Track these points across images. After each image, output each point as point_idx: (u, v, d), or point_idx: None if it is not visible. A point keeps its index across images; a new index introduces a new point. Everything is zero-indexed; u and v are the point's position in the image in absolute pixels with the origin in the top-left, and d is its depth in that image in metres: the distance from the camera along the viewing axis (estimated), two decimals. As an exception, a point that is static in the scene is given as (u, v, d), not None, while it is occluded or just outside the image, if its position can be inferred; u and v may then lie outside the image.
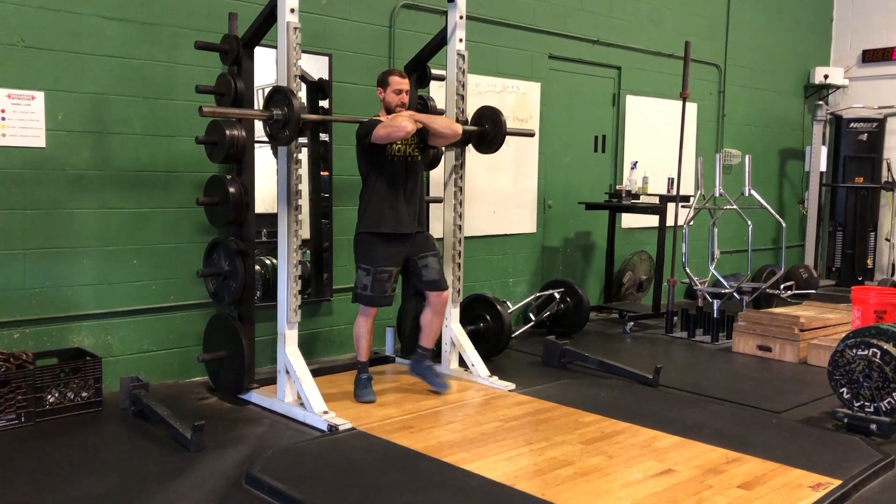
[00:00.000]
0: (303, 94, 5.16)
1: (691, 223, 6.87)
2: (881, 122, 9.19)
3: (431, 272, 4.52)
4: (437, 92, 5.51)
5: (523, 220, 6.79)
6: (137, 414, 4.13)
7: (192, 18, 4.76)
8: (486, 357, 5.21)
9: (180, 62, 4.74)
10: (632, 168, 7.23)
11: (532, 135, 5.40)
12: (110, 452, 3.69)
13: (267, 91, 4.83)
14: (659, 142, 7.75)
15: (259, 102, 4.99)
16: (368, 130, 4.26)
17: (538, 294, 6.50)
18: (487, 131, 4.79)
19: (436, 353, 5.21)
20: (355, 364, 4.61)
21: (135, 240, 4.66)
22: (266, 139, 4.92)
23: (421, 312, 4.70)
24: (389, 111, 4.43)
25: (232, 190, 4.38)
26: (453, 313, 5.01)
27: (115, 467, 3.50)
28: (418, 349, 4.68)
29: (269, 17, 4.26)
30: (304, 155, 5.25)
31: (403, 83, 4.45)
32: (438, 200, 5.31)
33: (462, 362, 5.02)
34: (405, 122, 4.19)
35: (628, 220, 7.58)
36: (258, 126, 4.76)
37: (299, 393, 4.18)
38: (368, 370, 4.58)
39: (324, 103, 5.36)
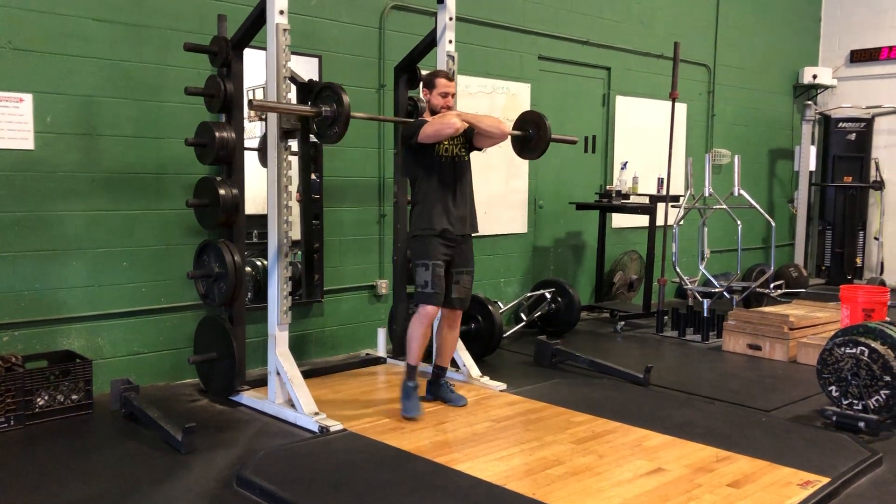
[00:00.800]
0: (293, 96, 5.17)
1: (681, 223, 6.90)
2: (869, 122, 9.25)
3: (461, 290, 4.37)
4: (427, 93, 5.52)
5: (514, 221, 6.80)
6: (128, 416, 4.12)
7: (181, 20, 4.76)
8: (478, 357, 5.23)
9: (169, 64, 4.73)
10: (622, 168, 7.26)
11: (575, 142, 5.16)
12: (101, 455, 3.67)
13: (258, 94, 4.84)
14: (649, 142, 7.78)
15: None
16: (415, 130, 4.17)
17: (529, 294, 6.52)
18: (531, 136, 4.66)
19: (427, 354, 5.22)
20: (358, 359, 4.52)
21: (125, 242, 4.65)
22: (255, 147, 4.97)
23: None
24: (434, 114, 4.32)
25: (222, 192, 4.37)
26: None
27: (105, 470, 3.49)
28: (434, 369, 4.51)
29: (258, 19, 4.26)
30: (294, 157, 5.25)
31: (450, 86, 4.34)
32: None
33: (454, 362, 5.02)
34: (453, 120, 4.10)
35: (619, 220, 7.61)
36: (247, 127, 4.77)
37: (290, 394, 4.18)
38: (417, 377, 4.30)
39: (314, 104, 5.36)
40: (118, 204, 4.61)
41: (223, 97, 4.41)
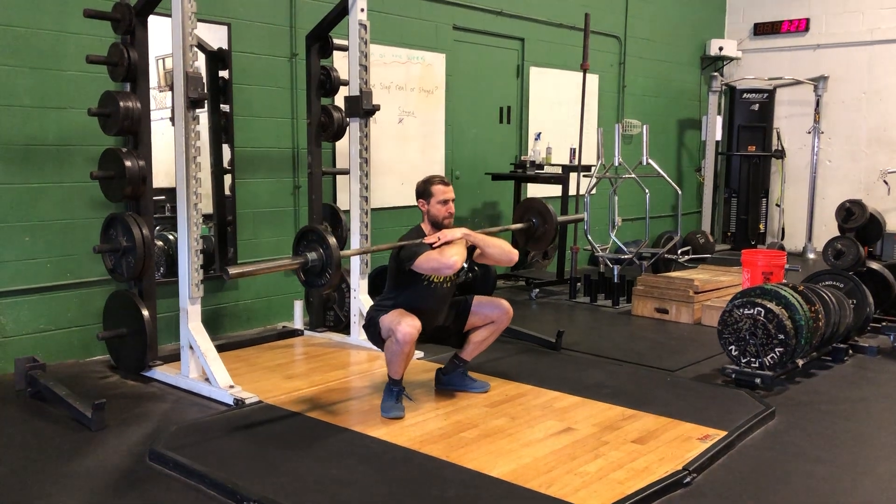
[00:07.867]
0: (201, 64, 5.06)
1: (593, 192, 7.07)
2: (771, 93, 9.61)
3: (480, 318, 4.13)
4: (340, 62, 5.47)
5: (430, 191, 6.82)
6: (34, 395, 4.01)
7: (80, -15, 4.58)
8: (395, 327, 5.26)
9: (69, 31, 4.55)
10: (536, 139, 7.36)
11: (582, 219, 5.07)
12: (5, 435, 3.57)
13: (168, 62, 4.69)
14: (562, 113, 7.90)
15: (159, 73, 4.88)
16: (411, 257, 3.76)
17: (446, 264, 6.57)
18: (535, 226, 4.60)
19: (345, 325, 5.25)
20: (267, 335, 4.47)
21: (26, 216, 4.49)
22: (167, 115, 4.85)
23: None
24: (436, 224, 3.96)
25: (128, 163, 4.25)
26: (361, 285, 5.03)
27: (10, 450, 3.40)
28: (455, 360, 4.20)
29: (162, -15, 4.15)
30: (203, 127, 5.14)
31: (448, 191, 3.96)
32: (345, 172, 5.30)
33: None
34: (454, 260, 3.70)
35: (533, 190, 7.71)
36: (158, 97, 4.65)
37: (204, 368, 4.14)
38: (402, 384, 3.88)
39: (224, 73, 5.26)
40: (17, 177, 4.44)
41: (127, 65, 4.28)
